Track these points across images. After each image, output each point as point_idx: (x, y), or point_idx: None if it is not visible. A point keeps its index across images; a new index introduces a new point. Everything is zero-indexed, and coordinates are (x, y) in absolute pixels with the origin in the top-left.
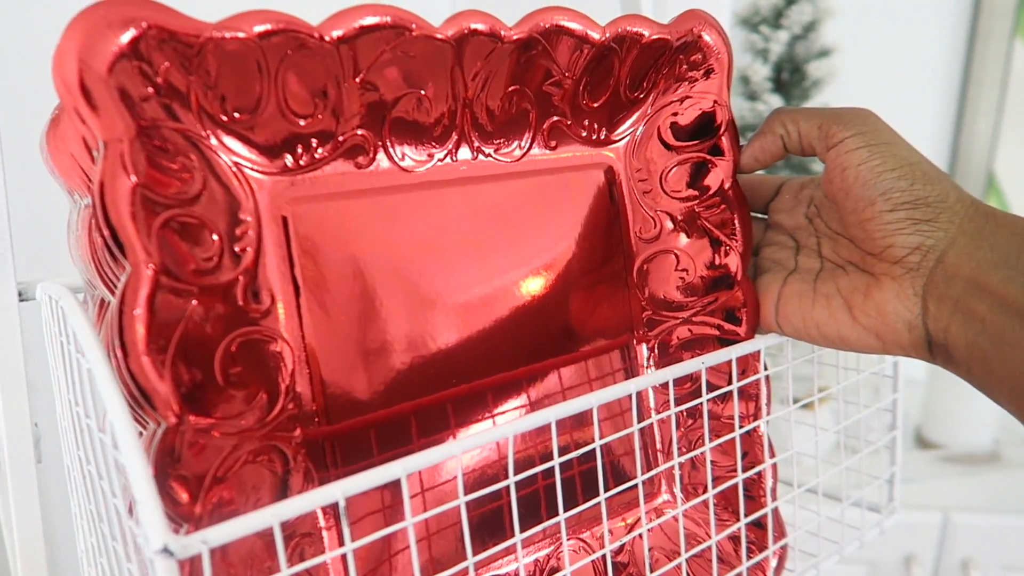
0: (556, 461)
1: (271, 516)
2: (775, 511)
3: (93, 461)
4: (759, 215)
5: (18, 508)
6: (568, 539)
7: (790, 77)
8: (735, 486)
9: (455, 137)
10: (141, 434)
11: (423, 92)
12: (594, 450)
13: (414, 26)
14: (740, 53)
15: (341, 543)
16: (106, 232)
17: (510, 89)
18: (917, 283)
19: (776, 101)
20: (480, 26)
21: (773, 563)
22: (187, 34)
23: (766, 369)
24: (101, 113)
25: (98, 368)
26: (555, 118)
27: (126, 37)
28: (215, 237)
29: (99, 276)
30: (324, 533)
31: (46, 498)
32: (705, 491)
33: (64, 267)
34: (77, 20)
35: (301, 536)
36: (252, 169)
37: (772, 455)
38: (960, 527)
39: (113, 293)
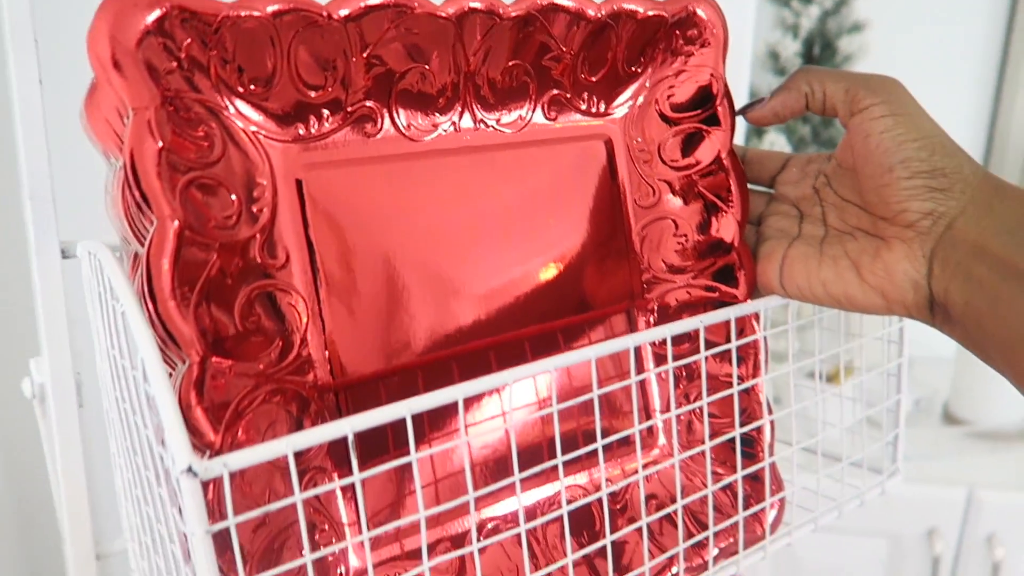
0: (555, 407)
1: (286, 445)
2: (772, 466)
3: (128, 398)
4: (764, 188)
5: (63, 448)
6: (567, 484)
7: (821, 52)
8: (732, 442)
9: (458, 108)
10: (171, 374)
11: (427, 66)
12: (598, 403)
13: (416, 5)
14: (770, 28)
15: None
16: (136, 191)
17: (510, 63)
18: (926, 246)
19: None
20: (478, 4)
21: (772, 515)
22: (206, 13)
23: (764, 331)
24: (130, 84)
25: (131, 311)
26: (555, 91)
27: (152, 16)
28: (234, 197)
29: (131, 231)
30: (335, 474)
31: (85, 440)
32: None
33: (99, 228)
34: (108, 2)
35: (315, 470)
36: (267, 137)
37: (771, 412)
38: (985, 503)
39: (144, 247)
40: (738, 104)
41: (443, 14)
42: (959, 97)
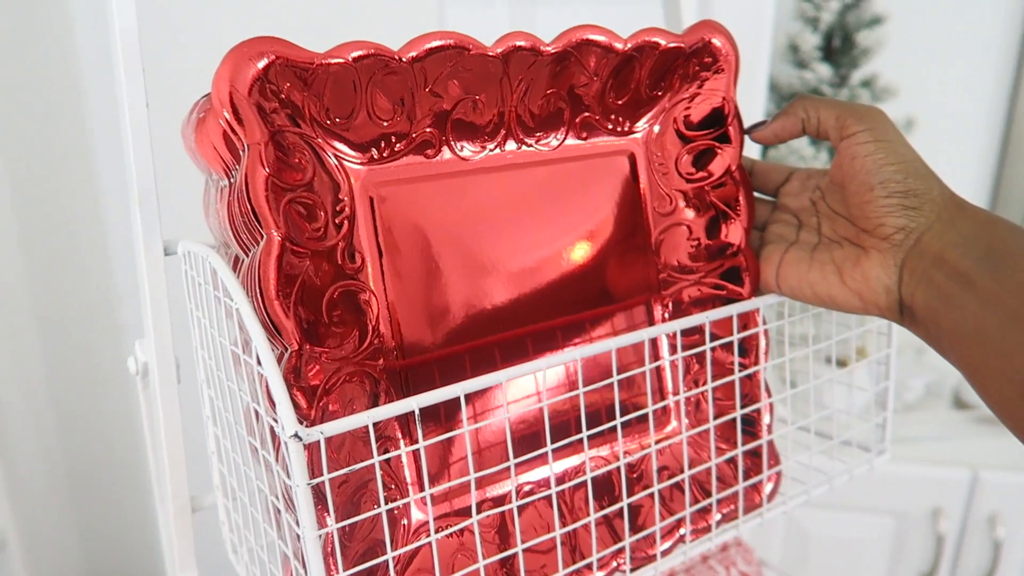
0: (581, 390)
1: (367, 417)
2: (770, 444)
3: (235, 379)
4: (769, 197)
5: (166, 417)
6: (592, 455)
7: (840, 45)
8: (735, 421)
9: (503, 132)
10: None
11: (478, 98)
12: (617, 386)
13: (471, 47)
14: (790, 21)
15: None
16: (247, 210)
17: (548, 92)
18: (898, 256)
19: (825, 70)
20: (523, 43)
21: (769, 487)
22: (303, 62)
23: (765, 324)
24: (245, 123)
25: (244, 309)
26: (585, 114)
27: (261, 64)
28: (323, 213)
29: (235, 240)
30: (401, 442)
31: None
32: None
33: (187, 229)
34: (228, 56)
35: (385, 438)
36: (348, 161)
37: (769, 396)
38: (988, 483)
39: (246, 253)
40: (748, 121)
41: (492, 53)
42: (975, 90)
